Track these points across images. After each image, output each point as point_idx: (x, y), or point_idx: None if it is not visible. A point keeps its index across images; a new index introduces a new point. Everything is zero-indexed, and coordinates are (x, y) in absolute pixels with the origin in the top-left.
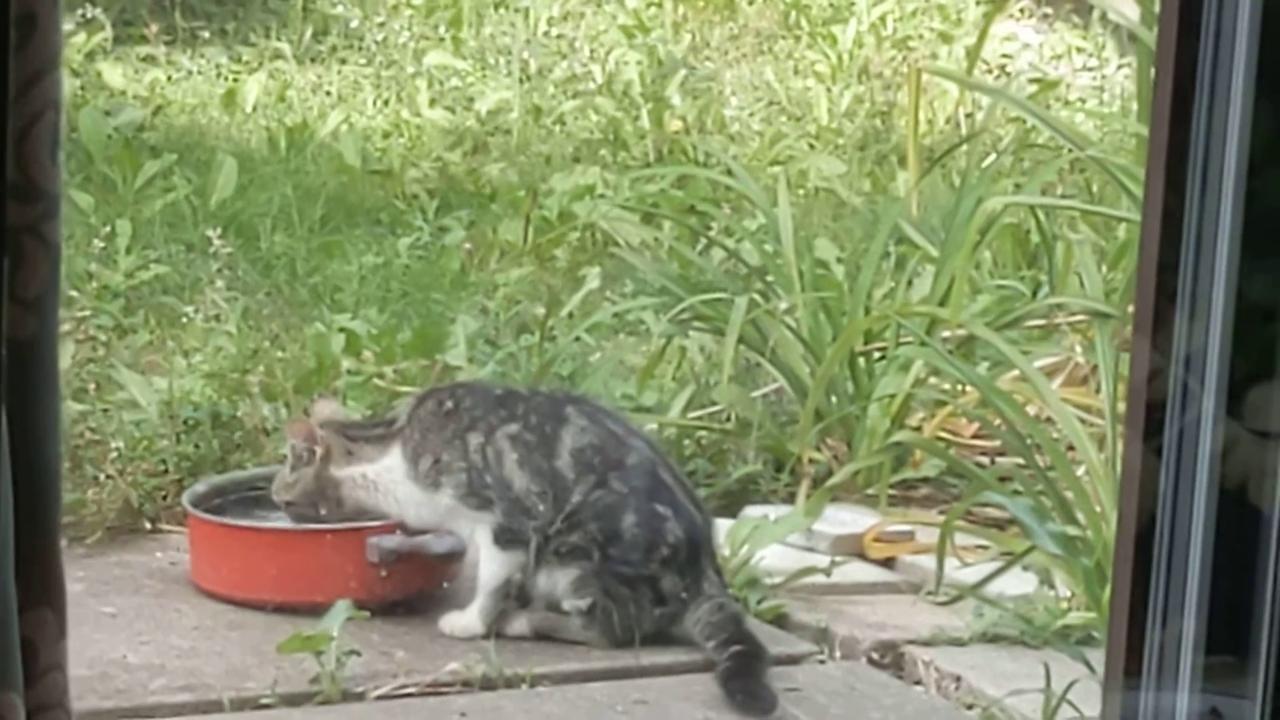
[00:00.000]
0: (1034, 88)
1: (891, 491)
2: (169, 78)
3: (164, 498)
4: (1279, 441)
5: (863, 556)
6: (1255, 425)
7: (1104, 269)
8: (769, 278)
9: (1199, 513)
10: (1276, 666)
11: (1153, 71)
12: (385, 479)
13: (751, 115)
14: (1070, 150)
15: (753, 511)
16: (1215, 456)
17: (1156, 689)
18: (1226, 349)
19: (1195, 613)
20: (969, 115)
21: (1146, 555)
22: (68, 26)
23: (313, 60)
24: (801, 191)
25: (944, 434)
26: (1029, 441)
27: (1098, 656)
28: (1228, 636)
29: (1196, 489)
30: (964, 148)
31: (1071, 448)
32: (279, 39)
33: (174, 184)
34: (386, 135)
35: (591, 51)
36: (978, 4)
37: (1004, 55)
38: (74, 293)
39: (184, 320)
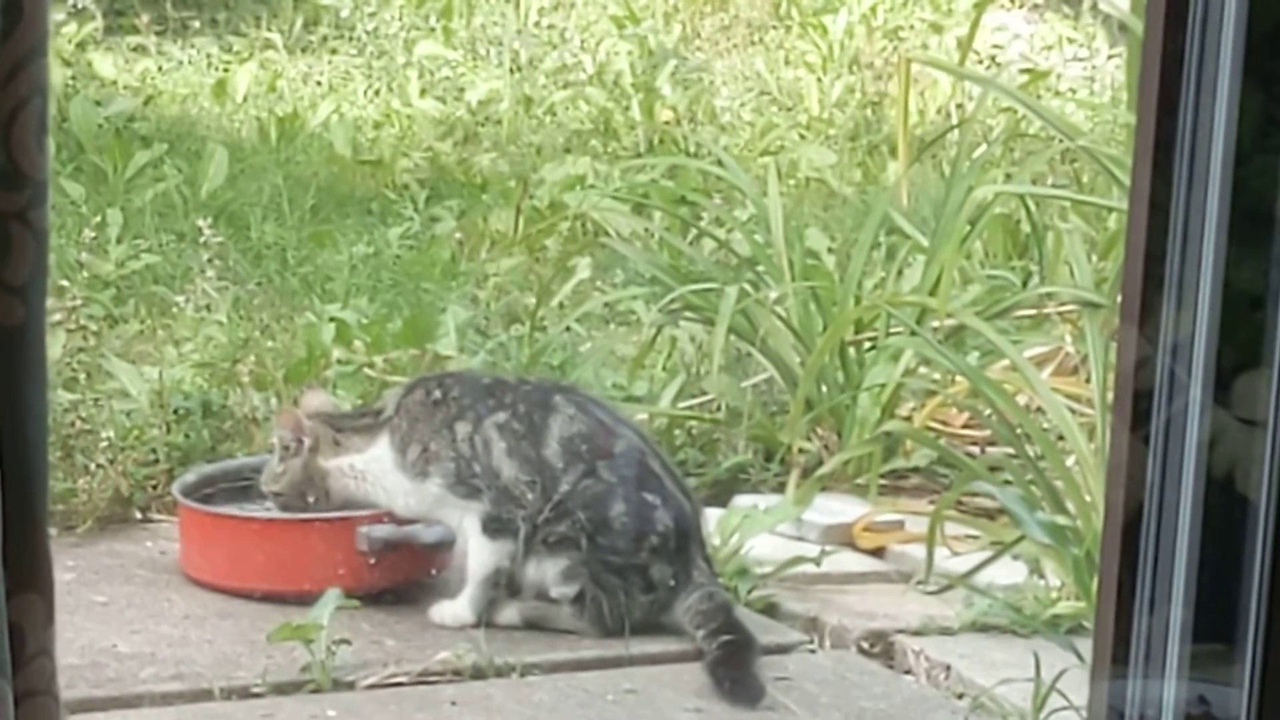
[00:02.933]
0: (1025, 78)
1: (881, 481)
2: (160, 68)
3: (154, 487)
4: (1266, 430)
5: (853, 546)
6: (1243, 413)
7: (1094, 259)
8: (759, 268)
9: (1186, 501)
10: (1263, 655)
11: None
12: (373, 469)
13: (742, 105)
14: (1060, 140)
15: (743, 501)
16: (1203, 445)
17: (1144, 677)
18: (1214, 337)
19: (1183, 601)
20: (960, 106)
21: (1134, 544)
22: (59, 16)
23: (303, 50)
24: (792, 182)
25: (934, 424)
26: (1019, 431)
27: (1087, 646)
28: (1215, 625)
29: (1184, 477)
30: (955, 138)
31: (1061, 437)
32: (270, 29)
33: (165, 174)
34: (377, 125)
35: (582, 42)
36: None
37: (995, 45)
38: (65, 282)
39: (175, 310)
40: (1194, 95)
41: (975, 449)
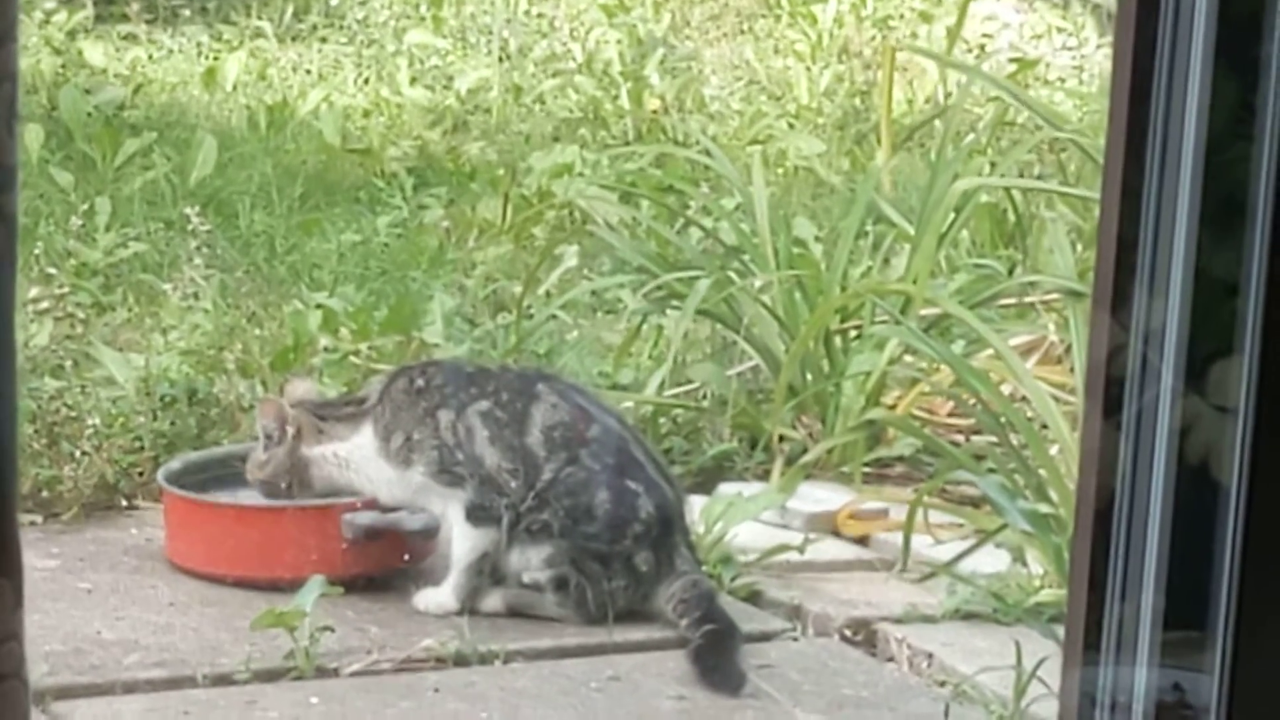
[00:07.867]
0: (1013, 67)
1: (866, 469)
2: (150, 56)
3: (140, 474)
4: (1239, 416)
5: (837, 534)
6: (1216, 401)
7: (1080, 248)
8: (745, 256)
9: (1159, 488)
10: (1235, 641)
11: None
12: (357, 457)
13: (731, 94)
14: (1046, 129)
15: (727, 489)
16: (1175, 432)
17: (1116, 664)
18: (1186, 325)
19: (1155, 588)
20: (948, 95)
21: (1106, 531)
22: (49, 4)
23: (293, 39)
24: (781, 170)
25: (919, 412)
26: (1003, 420)
27: None
28: (1187, 612)
29: (1156, 464)
30: (940, 126)
31: (1045, 426)
32: (260, 17)
33: (154, 162)
34: (366, 114)
35: (571, 30)
36: None
37: (984, 35)
38: (52, 270)
39: (162, 298)
40: (1167, 81)
41: (960, 438)
